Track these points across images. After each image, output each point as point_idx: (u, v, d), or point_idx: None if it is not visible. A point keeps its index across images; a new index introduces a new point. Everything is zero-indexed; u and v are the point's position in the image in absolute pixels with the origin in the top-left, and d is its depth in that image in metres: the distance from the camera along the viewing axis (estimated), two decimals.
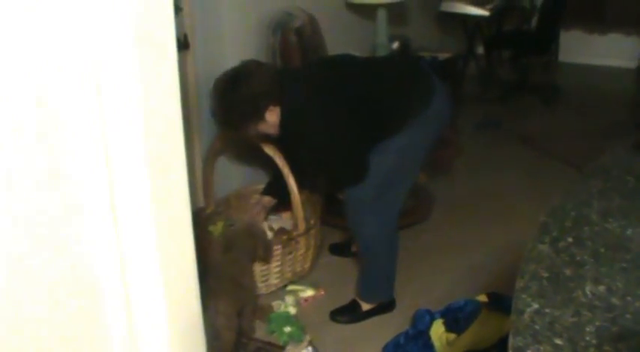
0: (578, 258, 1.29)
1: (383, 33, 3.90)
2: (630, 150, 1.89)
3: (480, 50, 5.78)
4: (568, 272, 1.24)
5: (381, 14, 3.86)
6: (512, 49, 5.78)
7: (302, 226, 2.81)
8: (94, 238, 1.63)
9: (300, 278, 2.93)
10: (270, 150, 2.69)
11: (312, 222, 2.90)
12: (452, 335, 2.40)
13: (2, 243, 1.41)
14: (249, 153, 3.08)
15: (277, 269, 2.80)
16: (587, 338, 1.05)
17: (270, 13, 3.25)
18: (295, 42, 3.23)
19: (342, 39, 3.69)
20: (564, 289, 1.19)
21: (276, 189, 2.84)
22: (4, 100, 1.34)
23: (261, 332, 2.60)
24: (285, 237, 2.79)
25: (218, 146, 2.92)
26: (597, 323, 1.09)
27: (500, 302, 2.38)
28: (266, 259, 2.69)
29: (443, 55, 4.40)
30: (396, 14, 4.21)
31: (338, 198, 2.73)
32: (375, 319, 2.70)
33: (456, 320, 2.43)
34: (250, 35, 3.21)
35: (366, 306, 2.71)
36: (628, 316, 1.11)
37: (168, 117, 1.62)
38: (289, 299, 2.79)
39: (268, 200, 2.93)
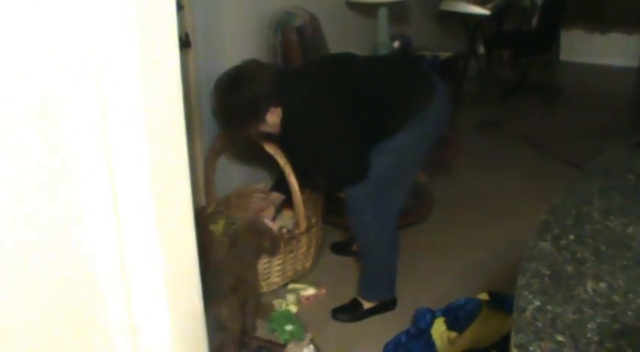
0: (579, 256, 1.30)
1: (384, 32, 3.91)
2: (631, 150, 1.89)
3: (481, 49, 5.78)
4: (569, 269, 1.25)
5: (382, 13, 3.86)
6: (513, 49, 5.78)
7: (303, 225, 2.82)
8: (96, 237, 1.63)
9: (301, 277, 2.94)
10: (271, 149, 2.69)
11: (313, 220, 2.91)
12: (453, 334, 2.40)
13: (3, 243, 1.42)
14: (251, 153, 3.09)
15: (279, 267, 2.81)
16: (589, 335, 1.06)
17: (271, 12, 3.26)
18: (296, 41, 3.23)
19: (343, 38, 3.69)
20: (566, 286, 1.19)
21: (285, 185, 2.84)
22: (5, 100, 1.35)
23: (262, 330, 2.61)
24: (286, 236, 2.80)
25: (219, 145, 2.92)
26: (599, 320, 1.10)
27: (501, 301, 2.39)
28: (274, 251, 2.69)
29: (444, 55, 4.40)
30: (397, 13, 4.21)
31: (339, 197, 2.73)
32: (376, 318, 2.70)
33: (457, 318, 2.43)
34: (251, 34, 3.21)
35: (367, 305, 2.71)
36: (629, 313, 1.12)
37: (170, 116, 1.62)
38: (290, 297, 2.79)
39: (277, 196, 2.94)
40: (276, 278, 2.83)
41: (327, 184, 3.04)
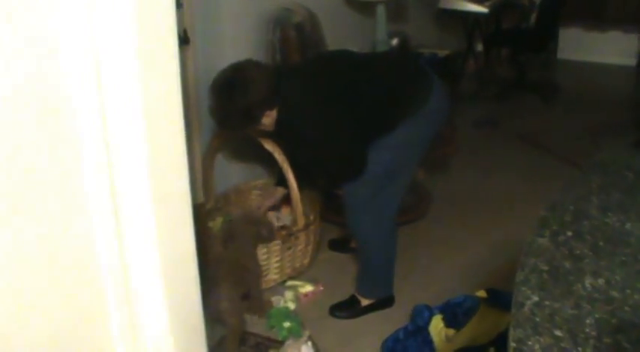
0: (577, 252, 1.30)
1: (382, 29, 3.91)
2: (629, 148, 1.90)
3: (479, 47, 5.79)
4: (568, 265, 1.25)
5: (381, 11, 3.86)
6: (511, 47, 5.79)
7: (301, 222, 2.82)
8: (95, 234, 1.63)
9: (299, 274, 2.94)
10: (270, 146, 2.69)
11: (311, 217, 2.91)
12: (451, 331, 2.41)
13: (3, 243, 1.41)
14: (249, 149, 3.09)
15: (277, 264, 2.81)
16: (587, 330, 1.06)
17: (269, 9, 3.26)
18: (295, 38, 3.24)
19: (341, 35, 3.69)
20: (564, 282, 1.20)
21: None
22: (4, 100, 1.34)
23: (260, 327, 2.61)
24: (284, 233, 2.80)
25: (217, 143, 2.92)
26: (597, 316, 1.10)
27: (499, 298, 2.39)
28: (270, 238, 2.70)
29: (442, 52, 4.40)
30: (396, 11, 4.22)
31: (337, 194, 2.73)
32: (374, 314, 2.71)
33: (454, 315, 2.44)
34: (250, 31, 3.21)
35: (365, 302, 2.72)
36: (627, 308, 1.12)
37: (169, 113, 1.62)
38: (289, 294, 2.80)
39: (282, 191, 2.95)
40: (274, 275, 2.84)
41: (325, 182, 3.05)
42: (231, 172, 3.26)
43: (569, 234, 1.37)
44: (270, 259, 2.77)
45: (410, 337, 2.43)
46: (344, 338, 2.56)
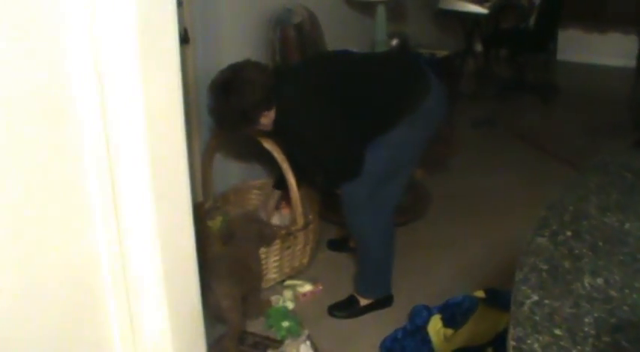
0: (576, 251, 1.30)
1: (382, 30, 3.91)
2: (629, 148, 1.90)
3: (478, 48, 5.79)
4: (567, 264, 1.26)
5: (380, 11, 3.86)
6: (510, 47, 5.78)
7: (300, 221, 2.82)
8: (96, 232, 1.63)
9: (298, 274, 2.94)
10: (269, 145, 2.70)
11: (310, 217, 2.91)
12: (449, 331, 2.41)
13: (4, 242, 1.41)
14: (249, 149, 3.09)
15: (276, 264, 2.82)
16: (586, 329, 1.07)
17: (270, 9, 3.26)
18: (295, 37, 3.24)
19: (341, 35, 3.69)
20: (563, 281, 1.20)
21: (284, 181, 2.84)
22: (6, 100, 1.34)
23: (259, 326, 2.61)
24: (283, 232, 2.80)
25: (215, 142, 2.93)
26: (595, 315, 1.11)
27: (498, 298, 2.40)
28: (273, 239, 2.70)
29: (441, 53, 4.40)
30: (395, 11, 4.22)
31: (336, 194, 2.74)
32: (373, 314, 2.71)
33: (453, 315, 2.44)
34: (250, 30, 3.21)
35: (363, 301, 2.72)
36: (625, 308, 1.13)
37: (169, 112, 1.63)
38: (287, 294, 2.80)
39: (278, 193, 2.98)
40: (273, 275, 2.84)
41: (324, 181, 3.05)
42: (231, 172, 3.26)
43: (569, 233, 1.37)
44: (269, 258, 2.78)
45: (408, 337, 2.44)
46: (342, 338, 2.57)
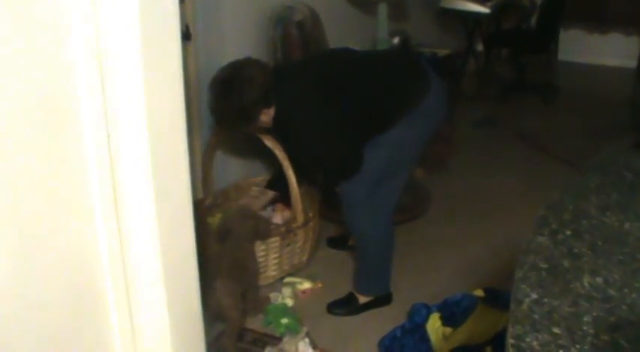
0: (576, 251, 1.31)
1: (383, 28, 3.92)
2: (629, 149, 1.91)
3: (480, 47, 5.79)
4: (566, 263, 1.26)
5: (382, 9, 3.87)
6: (512, 47, 5.79)
7: (300, 219, 2.83)
8: (97, 230, 1.64)
9: (297, 271, 2.95)
10: (270, 143, 2.70)
11: (310, 214, 2.92)
12: (448, 329, 2.41)
13: (4, 242, 1.41)
14: (249, 146, 3.10)
15: (275, 261, 2.82)
16: (585, 328, 1.07)
17: (271, 6, 3.26)
18: (296, 35, 3.24)
19: (342, 33, 3.70)
20: (562, 280, 1.20)
21: (282, 181, 2.84)
22: (7, 99, 1.34)
23: (258, 323, 2.61)
24: (283, 229, 2.81)
25: (216, 139, 2.93)
26: (594, 314, 1.11)
27: (497, 298, 2.40)
28: (268, 234, 2.70)
29: (442, 52, 4.40)
30: (397, 10, 4.22)
31: (336, 192, 2.74)
32: (372, 312, 2.71)
33: (452, 314, 2.44)
34: (252, 28, 3.21)
35: (362, 299, 2.73)
36: (624, 307, 1.13)
37: (170, 108, 1.63)
38: (286, 291, 2.80)
39: (270, 194, 2.98)
40: (272, 272, 2.84)
41: (324, 180, 3.05)
42: (231, 169, 3.26)
43: (568, 232, 1.38)
44: (269, 256, 2.78)
45: (407, 335, 2.44)
46: (341, 336, 2.57)
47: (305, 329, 2.53)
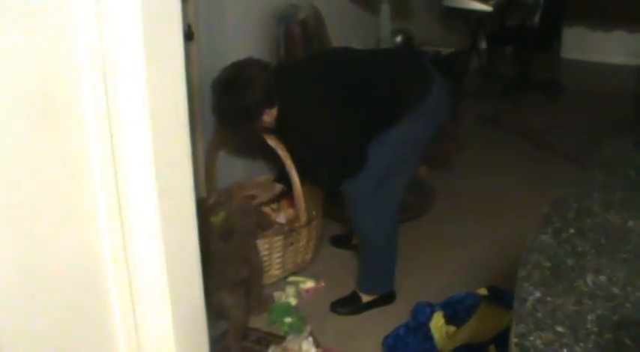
0: (579, 249, 1.30)
1: (386, 26, 3.92)
2: (633, 146, 1.90)
3: (483, 45, 5.78)
4: (570, 262, 1.26)
5: (385, 8, 3.87)
6: (515, 45, 5.78)
7: (303, 217, 2.83)
8: (100, 229, 1.64)
9: (301, 270, 2.95)
10: (272, 142, 2.70)
11: (313, 213, 2.92)
12: (452, 328, 2.41)
13: (5, 242, 1.42)
14: (252, 145, 3.10)
15: (279, 260, 2.82)
16: (588, 326, 1.07)
17: (274, 5, 3.26)
18: (299, 34, 3.24)
19: (345, 32, 3.70)
20: (566, 278, 1.20)
21: (288, 178, 2.84)
22: (9, 97, 1.35)
23: (261, 322, 2.62)
24: (286, 228, 2.81)
25: (218, 139, 2.93)
26: (598, 312, 1.10)
27: (500, 296, 2.39)
28: (267, 226, 2.72)
29: (445, 50, 4.41)
30: (400, 8, 4.21)
31: (339, 191, 2.74)
32: (376, 311, 2.71)
33: (455, 312, 2.44)
34: (255, 26, 3.21)
35: (366, 298, 2.73)
36: (628, 305, 1.13)
37: (173, 108, 1.63)
38: (290, 290, 2.80)
39: (279, 187, 2.98)
40: (276, 271, 2.84)
41: (328, 178, 3.05)
42: (234, 168, 3.26)
43: (572, 231, 1.37)
44: (272, 254, 2.78)
45: (411, 333, 2.44)
46: (345, 334, 2.57)
47: (309, 327, 2.53)
